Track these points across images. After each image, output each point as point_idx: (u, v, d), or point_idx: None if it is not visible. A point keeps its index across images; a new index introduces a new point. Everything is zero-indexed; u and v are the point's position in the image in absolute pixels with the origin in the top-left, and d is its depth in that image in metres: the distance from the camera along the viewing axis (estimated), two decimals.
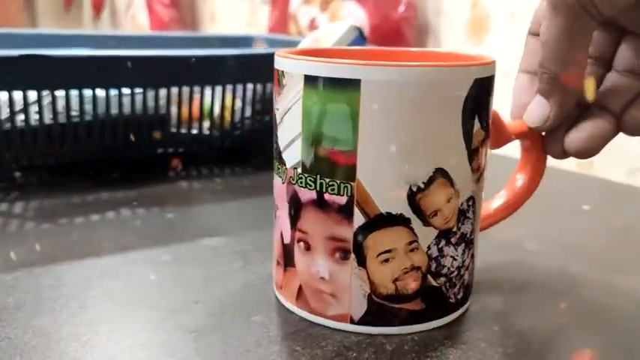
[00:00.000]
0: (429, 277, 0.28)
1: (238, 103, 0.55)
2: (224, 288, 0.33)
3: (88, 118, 0.49)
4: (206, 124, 0.55)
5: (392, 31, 1.36)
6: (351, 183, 0.26)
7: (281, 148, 0.29)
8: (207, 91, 0.53)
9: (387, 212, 0.27)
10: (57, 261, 0.35)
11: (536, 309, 0.31)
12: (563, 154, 0.30)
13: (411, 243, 0.27)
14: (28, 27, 2.70)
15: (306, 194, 0.28)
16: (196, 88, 0.52)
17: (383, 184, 0.26)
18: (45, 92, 0.46)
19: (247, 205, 0.46)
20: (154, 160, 0.56)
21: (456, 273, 0.29)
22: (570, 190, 0.52)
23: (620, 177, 0.56)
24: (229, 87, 0.54)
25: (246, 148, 0.60)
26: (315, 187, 0.27)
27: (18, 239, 0.38)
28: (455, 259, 0.28)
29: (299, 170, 0.28)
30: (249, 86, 0.55)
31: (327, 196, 0.27)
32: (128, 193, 0.48)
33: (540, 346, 0.28)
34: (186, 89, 0.52)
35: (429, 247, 0.27)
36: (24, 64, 0.45)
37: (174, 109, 0.53)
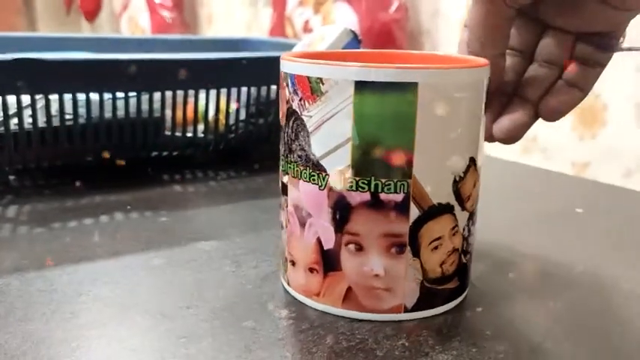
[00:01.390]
0: (461, 256, 0.31)
1: (233, 107, 0.55)
2: (216, 293, 0.33)
3: (81, 121, 0.49)
4: (201, 127, 0.55)
5: (383, 33, 1.35)
6: (408, 180, 0.28)
7: (317, 156, 0.29)
8: (202, 94, 0.53)
9: (438, 203, 0.29)
10: (49, 266, 0.35)
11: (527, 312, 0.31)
12: (491, 139, 0.34)
13: (453, 228, 0.30)
14: (26, 30, 2.69)
15: (357, 197, 0.29)
16: (191, 92, 0.52)
17: (435, 177, 0.29)
18: (39, 96, 0.46)
19: (241, 208, 0.46)
20: (147, 163, 0.56)
21: (472, 249, 0.32)
22: (565, 193, 0.52)
23: (615, 179, 0.56)
24: (224, 90, 0.54)
25: (241, 152, 0.60)
26: (369, 189, 0.28)
27: (11, 243, 0.38)
28: (474, 237, 0.32)
29: (347, 175, 0.28)
30: (244, 89, 0.55)
31: (382, 196, 0.28)
32: (121, 196, 0.48)
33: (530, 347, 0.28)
34: (180, 92, 0.52)
35: (463, 229, 0.30)
36: (18, 67, 0.45)
37: (168, 113, 0.53)
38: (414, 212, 0.29)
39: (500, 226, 0.43)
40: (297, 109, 0.29)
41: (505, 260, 0.38)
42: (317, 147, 0.29)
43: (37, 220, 0.42)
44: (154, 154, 0.55)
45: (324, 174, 0.29)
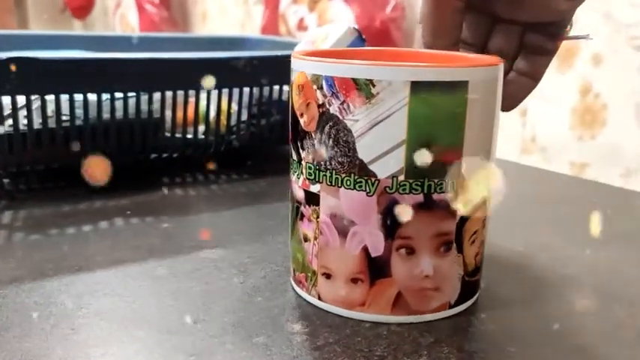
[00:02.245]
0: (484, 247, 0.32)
1: (234, 107, 0.54)
2: (224, 305, 0.31)
3: (78, 122, 0.47)
4: (201, 128, 0.53)
5: (380, 33, 1.34)
6: (458, 179, 0.28)
7: (366, 160, 0.28)
8: (203, 94, 0.52)
9: (479, 197, 0.29)
10: (46, 276, 0.33)
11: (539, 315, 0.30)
12: None
13: (484, 220, 0.31)
14: (18, 29, 2.66)
15: (411, 199, 0.28)
16: (191, 92, 0.51)
17: (477, 172, 0.29)
18: (34, 96, 0.45)
19: (245, 213, 0.44)
20: (146, 166, 0.54)
21: None
22: (569, 194, 0.51)
23: (614, 180, 0.55)
24: (225, 90, 0.52)
25: (243, 154, 0.58)
26: (422, 190, 0.28)
27: (6, 251, 0.36)
28: None
29: (401, 178, 0.28)
30: (246, 90, 0.53)
31: (434, 197, 0.28)
32: (121, 201, 0.46)
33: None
34: (180, 93, 0.50)
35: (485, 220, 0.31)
36: (12, 66, 0.43)
37: (168, 113, 0.51)
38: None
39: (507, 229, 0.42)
40: (338, 114, 0.28)
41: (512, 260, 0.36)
42: (365, 152, 0.28)
43: (33, 227, 0.40)
44: (153, 155, 0.53)
45: (373, 179, 0.28)
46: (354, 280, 0.29)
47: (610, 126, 1.16)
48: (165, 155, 0.54)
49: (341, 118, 0.28)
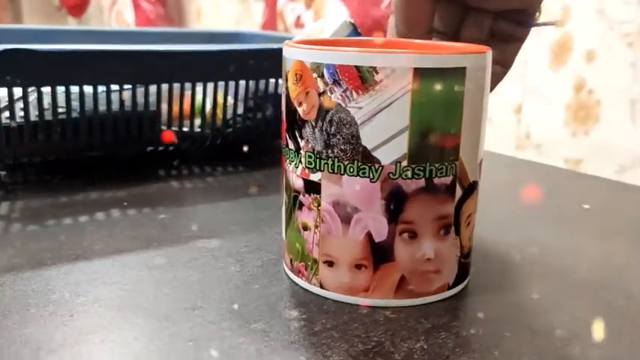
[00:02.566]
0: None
1: (230, 100, 0.54)
2: (221, 293, 0.31)
3: (74, 114, 0.47)
4: (197, 121, 0.53)
5: (375, 28, 1.34)
6: (456, 162, 0.29)
7: (370, 147, 0.28)
8: (199, 87, 0.52)
9: (473, 181, 0.30)
10: (44, 265, 0.34)
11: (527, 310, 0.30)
12: None
13: (476, 203, 0.31)
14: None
15: (413, 184, 0.29)
16: (187, 85, 0.51)
17: (473, 157, 0.30)
18: (31, 88, 0.45)
19: (241, 205, 0.45)
20: (143, 158, 0.54)
21: None
22: (568, 189, 0.51)
23: (608, 176, 0.55)
24: (221, 83, 0.52)
25: (239, 146, 0.58)
26: (424, 175, 0.29)
27: (3, 241, 0.36)
28: None
29: (404, 163, 0.28)
30: (242, 83, 0.53)
31: (435, 181, 0.29)
32: (117, 192, 0.46)
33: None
34: (176, 86, 0.50)
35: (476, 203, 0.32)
36: (8, 58, 0.43)
37: (164, 106, 0.51)
38: (458, 192, 0.30)
39: (504, 224, 0.43)
40: (340, 101, 0.28)
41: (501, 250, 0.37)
42: (369, 138, 0.28)
43: (31, 218, 0.40)
44: (150, 148, 0.53)
45: (377, 165, 0.28)
46: (358, 266, 0.30)
47: (604, 122, 1.16)
48: (161, 148, 0.54)
49: (343, 105, 0.28)
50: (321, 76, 0.28)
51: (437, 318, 0.29)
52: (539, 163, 0.60)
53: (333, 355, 0.26)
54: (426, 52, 0.29)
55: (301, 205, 0.31)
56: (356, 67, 0.27)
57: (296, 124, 0.30)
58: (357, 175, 0.29)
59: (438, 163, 0.29)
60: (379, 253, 0.29)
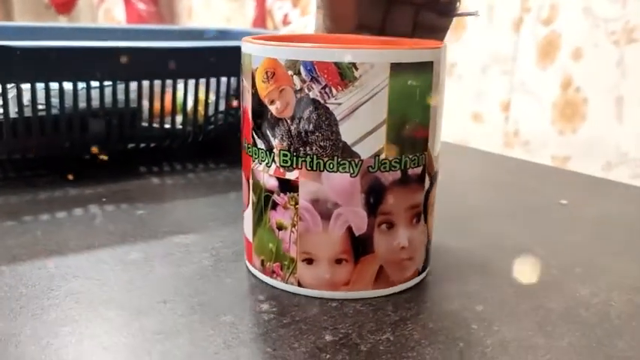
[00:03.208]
0: None
1: (212, 97, 0.54)
2: (194, 287, 0.31)
3: (54, 111, 0.47)
4: (179, 118, 0.54)
5: None
6: (425, 153, 0.30)
7: (350, 142, 0.28)
8: (180, 84, 0.52)
9: (436, 170, 0.32)
10: (19, 260, 0.34)
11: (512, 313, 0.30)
12: None
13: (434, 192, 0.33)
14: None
15: (390, 176, 0.29)
16: (168, 82, 0.51)
17: (436, 147, 0.31)
18: (10, 85, 0.45)
19: (220, 201, 0.45)
20: (124, 155, 0.54)
21: None
22: (548, 185, 0.52)
23: (595, 173, 0.56)
24: (202, 80, 0.53)
25: (220, 143, 0.59)
26: (400, 167, 0.29)
27: None
28: None
29: (382, 156, 0.29)
30: (223, 79, 0.54)
31: (409, 172, 0.30)
32: (97, 189, 0.46)
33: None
34: (157, 82, 0.50)
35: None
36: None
37: (145, 103, 0.51)
38: (427, 182, 0.31)
39: (485, 218, 0.43)
40: (319, 98, 0.28)
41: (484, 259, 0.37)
42: (348, 134, 0.28)
43: (8, 214, 0.41)
44: (131, 145, 0.53)
45: (357, 160, 0.29)
46: (339, 261, 0.30)
47: (590, 120, 1.17)
48: (142, 145, 0.54)
49: (322, 102, 0.28)
50: (298, 73, 0.28)
51: (405, 310, 0.30)
52: (525, 160, 0.61)
53: (300, 346, 0.26)
54: (405, 47, 0.29)
55: (275, 204, 0.30)
56: (335, 63, 0.28)
57: (267, 122, 0.30)
58: (337, 170, 0.29)
59: (412, 155, 0.30)
60: (359, 247, 0.30)
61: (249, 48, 0.30)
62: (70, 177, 0.49)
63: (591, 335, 0.28)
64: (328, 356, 0.26)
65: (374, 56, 0.28)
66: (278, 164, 0.30)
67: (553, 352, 0.26)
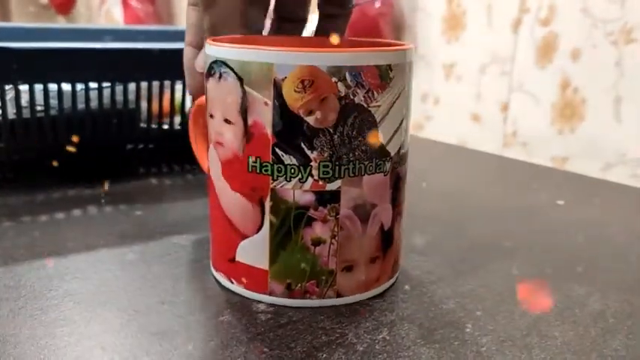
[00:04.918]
0: None
1: None
2: (192, 287, 0.32)
3: (53, 112, 0.47)
4: (177, 119, 0.54)
5: (369, 27, 1.35)
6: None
7: (385, 142, 0.29)
8: (178, 85, 0.52)
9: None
10: (17, 261, 0.34)
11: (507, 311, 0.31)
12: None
13: None
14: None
15: (403, 169, 0.31)
16: (166, 82, 0.51)
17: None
18: (8, 86, 0.45)
19: None
20: (122, 156, 0.54)
21: None
22: (545, 185, 0.52)
23: (593, 173, 0.56)
24: None
25: None
26: (406, 159, 0.32)
27: None
28: None
29: (402, 151, 0.31)
30: None
31: (407, 164, 0.32)
32: (96, 190, 0.46)
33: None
34: (156, 83, 0.50)
35: None
36: None
37: (144, 104, 0.51)
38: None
39: (481, 219, 0.43)
40: (363, 103, 0.28)
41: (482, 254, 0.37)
42: (384, 134, 0.29)
43: (6, 215, 0.41)
44: (129, 146, 0.54)
45: (388, 158, 0.30)
46: (373, 260, 0.31)
47: (589, 120, 1.17)
48: (141, 146, 0.54)
49: (365, 106, 0.28)
50: (343, 80, 0.27)
51: (401, 310, 0.30)
52: (524, 161, 0.61)
53: (296, 346, 0.26)
54: (406, 47, 0.30)
55: (310, 220, 0.29)
56: (376, 66, 0.28)
57: (301, 135, 0.28)
58: (375, 172, 0.29)
59: (408, 148, 0.32)
60: (387, 240, 0.31)
61: (268, 56, 0.27)
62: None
63: (586, 335, 0.28)
64: (325, 355, 0.26)
65: (402, 56, 0.29)
66: (317, 177, 0.28)
67: (548, 351, 0.27)
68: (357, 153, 0.28)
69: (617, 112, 1.13)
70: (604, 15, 1.12)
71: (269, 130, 0.28)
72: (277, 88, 0.27)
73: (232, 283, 0.31)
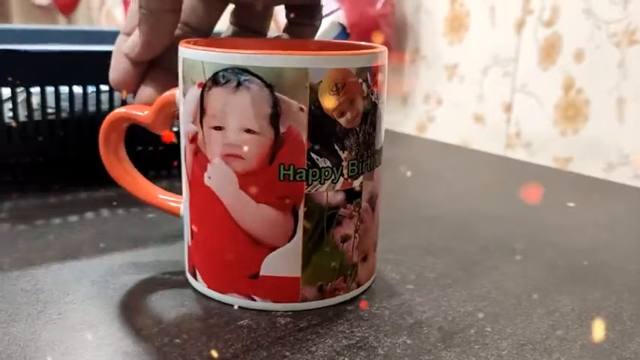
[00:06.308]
0: None
1: None
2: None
3: (64, 115, 0.47)
4: None
5: (370, 28, 1.35)
6: None
7: (383, 134, 0.32)
8: None
9: None
10: (33, 264, 0.34)
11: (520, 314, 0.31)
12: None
13: None
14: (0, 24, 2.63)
15: None
16: None
17: None
18: (19, 89, 0.45)
19: None
20: (133, 158, 0.54)
21: None
22: (550, 186, 0.52)
23: (597, 174, 0.56)
24: None
25: None
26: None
27: None
28: None
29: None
30: None
31: None
32: (107, 192, 0.46)
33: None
34: None
35: None
36: None
37: None
38: None
39: (490, 219, 0.43)
40: (376, 100, 0.30)
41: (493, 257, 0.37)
42: (383, 127, 0.32)
43: (19, 218, 0.41)
44: (139, 148, 0.54)
45: (381, 149, 0.32)
46: (375, 247, 0.33)
47: (592, 121, 1.17)
48: (150, 148, 0.54)
49: (377, 103, 0.30)
50: (366, 80, 0.28)
51: (419, 313, 0.30)
52: (528, 162, 0.61)
53: (317, 350, 0.26)
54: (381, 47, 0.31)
55: (340, 219, 0.29)
56: (382, 65, 0.30)
57: (334, 136, 0.28)
58: (380, 162, 0.31)
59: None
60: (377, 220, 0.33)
61: (302, 61, 0.27)
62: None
63: (604, 338, 0.28)
64: (346, 359, 0.26)
65: (386, 56, 0.30)
66: (346, 176, 0.29)
67: (568, 354, 0.27)
68: (372, 148, 0.30)
69: (621, 114, 1.13)
70: (607, 16, 1.12)
71: (304, 136, 0.27)
72: (313, 92, 0.27)
73: (254, 300, 0.30)
